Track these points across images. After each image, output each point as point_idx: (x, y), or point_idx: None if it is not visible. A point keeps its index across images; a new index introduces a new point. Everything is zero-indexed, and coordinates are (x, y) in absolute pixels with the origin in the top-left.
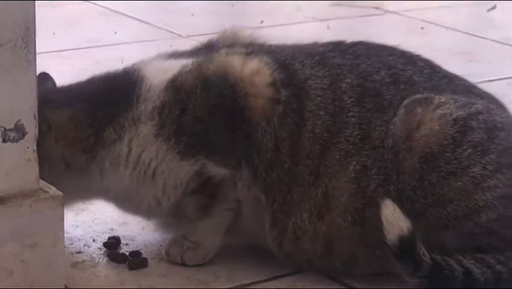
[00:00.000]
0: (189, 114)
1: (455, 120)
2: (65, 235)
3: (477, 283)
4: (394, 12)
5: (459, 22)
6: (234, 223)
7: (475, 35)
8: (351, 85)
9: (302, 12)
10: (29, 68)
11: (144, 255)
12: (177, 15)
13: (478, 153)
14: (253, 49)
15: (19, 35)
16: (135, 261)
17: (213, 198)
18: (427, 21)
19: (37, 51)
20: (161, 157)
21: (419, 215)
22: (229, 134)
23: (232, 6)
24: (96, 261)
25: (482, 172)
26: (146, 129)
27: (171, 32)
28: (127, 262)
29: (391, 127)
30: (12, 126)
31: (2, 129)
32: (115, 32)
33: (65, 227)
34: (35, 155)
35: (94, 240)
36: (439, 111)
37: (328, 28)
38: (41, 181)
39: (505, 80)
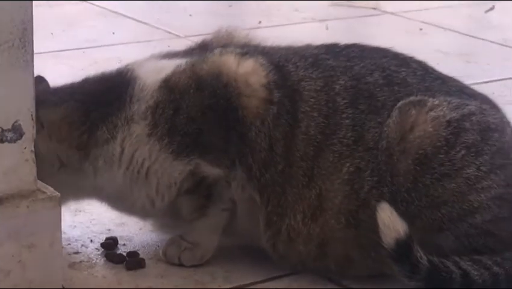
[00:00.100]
0: (182, 114)
1: (448, 121)
2: (63, 236)
3: (474, 284)
4: (392, 13)
5: (458, 23)
6: (229, 224)
7: (473, 36)
8: (344, 86)
9: (301, 13)
10: (27, 68)
11: (141, 256)
12: (175, 15)
13: (472, 154)
14: (248, 49)
15: (16, 35)
16: (133, 261)
17: (208, 198)
18: (426, 22)
19: (35, 51)
20: (154, 157)
21: (414, 217)
22: (222, 134)
23: (230, 6)
24: (94, 261)
25: (476, 173)
26: (139, 128)
27: (169, 32)
28: (124, 262)
29: (385, 129)
30: (9, 127)
31: (0, 130)
32: (113, 33)
33: (62, 227)
34: (33, 156)
35: (91, 241)
36: (432, 113)
37: (327, 29)
38: (39, 182)
39: (503, 82)
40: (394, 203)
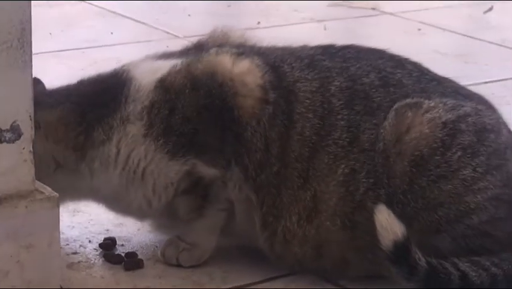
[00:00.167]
0: (178, 114)
1: (444, 123)
2: (61, 236)
3: (473, 285)
4: (391, 14)
5: (456, 24)
6: (227, 224)
7: (472, 37)
8: (340, 87)
9: (299, 13)
10: (25, 69)
11: (139, 256)
12: (174, 15)
13: (468, 155)
14: (244, 50)
15: (15, 35)
16: (131, 262)
17: (205, 199)
18: (424, 23)
19: (34, 51)
20: (150, 157)
21: (410, 219)
22: (218, 134)
23: (229, 6)
24: (92, 261)
25: (473, 174)
26: (135, 129)
27: (167, 32)
28: (123, 263)
29: (382, 131)
30: (8, 127)
31: None
32: (112, 33)
33: (61, 228)
34: (31, 156)
35: (90, 241)
36: (428, 115)
37: (325, 29)
38: (37, 182)
39: (502, 82)
40: (390, 205)
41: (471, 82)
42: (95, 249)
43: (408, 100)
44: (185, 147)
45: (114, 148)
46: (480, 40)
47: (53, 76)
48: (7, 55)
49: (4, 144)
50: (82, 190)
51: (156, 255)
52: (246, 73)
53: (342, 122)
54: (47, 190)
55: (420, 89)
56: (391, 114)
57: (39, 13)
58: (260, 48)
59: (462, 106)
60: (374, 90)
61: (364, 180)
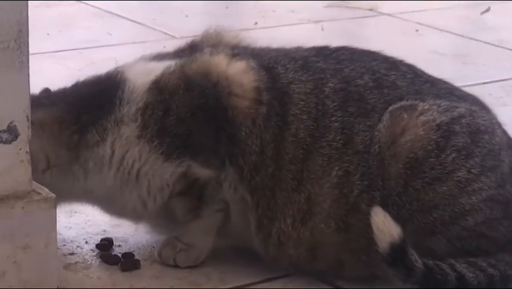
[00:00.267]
0: (172, 115)
1: (438, 125)
2: (58, 237)
3: (470, 286)
4: (388, 14)
5: (454, 24)
6: (224, 225)
7: (469, 38)
8: (334, 89)
9: (297, 14)
10: (22, 69)
11: (136, 257)
12: (171, 16)
13: (462, 157)
14: (238, 51)
15: (12, 36)
16: (128, 262)
17: (200, 199)
18: (422, 24)
19: (31, 52)
20: (144, 158)
21: (405, 221)
22: (212, 134)
23: (227, 7)
24: (89, 262)
25: (467, 176)
26: (129, 130)
27: (165, 33)
28: (119, 263)
29: (376, 133)
30: (4, 128)
31: None
32: (110, 34)
33: (57, 228)
34: (28, 157)
35: (86, 242)
36: (423, 118)
37: (322, 30)
38: (34, 183)
39: (499, 83)
40: (385, 208)
41: (468, 83)
42: (92, 250)
43: (403, 103)
44: (179, 148)
45: (109, 149)
46: (477, 40)
47: (50, 76)
48: (4, 56)
49: (1, 144)
50: (76, 192)
51: (153, 256)
52: (241, 73)
53: (336, 124)
54: (44, 191)
55: (414, 91)
56: (386, 117)
57: (36, 14)
58: (254, 49)
59: (456, 108)
60: (368, 92)
61: (358, 182)
